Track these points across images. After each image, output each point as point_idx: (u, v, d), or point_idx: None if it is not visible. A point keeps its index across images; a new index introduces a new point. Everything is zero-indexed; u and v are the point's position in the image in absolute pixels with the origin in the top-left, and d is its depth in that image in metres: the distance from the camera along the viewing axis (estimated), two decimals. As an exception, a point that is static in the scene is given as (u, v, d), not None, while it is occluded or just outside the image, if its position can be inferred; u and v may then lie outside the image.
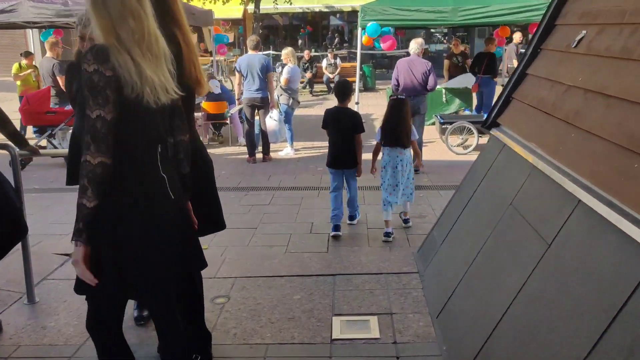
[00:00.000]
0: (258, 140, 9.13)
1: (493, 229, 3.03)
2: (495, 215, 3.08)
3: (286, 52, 9.14)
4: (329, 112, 5.42)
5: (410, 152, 5.21)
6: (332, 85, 18.14)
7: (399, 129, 5.03)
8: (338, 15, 29.26)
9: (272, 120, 8.59)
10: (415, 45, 7.84)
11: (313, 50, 23.59)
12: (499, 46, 13.19)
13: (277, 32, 32.34)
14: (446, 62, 12.71)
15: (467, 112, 12.04)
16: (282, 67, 9.68)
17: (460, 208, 3.70)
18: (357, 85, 10.18)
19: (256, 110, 8.76)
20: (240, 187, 7.25)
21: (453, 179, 7.31)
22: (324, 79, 18.00)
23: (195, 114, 11.14)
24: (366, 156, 5.58)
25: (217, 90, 10.26)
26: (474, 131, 8.97)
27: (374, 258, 4.59)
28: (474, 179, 3.85)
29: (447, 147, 9.13)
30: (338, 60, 18.28)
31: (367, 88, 18.86)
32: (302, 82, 19.06)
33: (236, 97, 8.99)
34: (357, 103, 10.15)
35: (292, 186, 7.26)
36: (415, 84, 7.56)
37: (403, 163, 5.13)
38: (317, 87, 18.46)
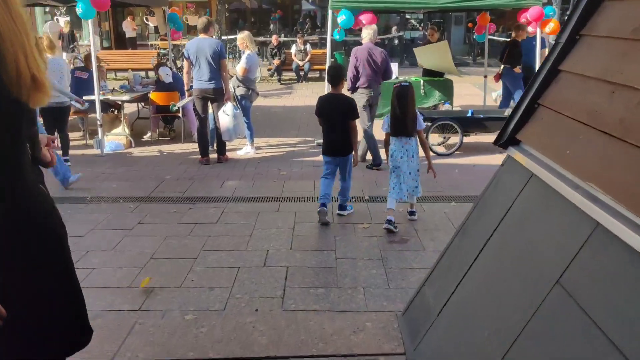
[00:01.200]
0: (213, 138, 7.95)
1: (530, 317, 1.93)
2: (532, 294, 1.99)
3: (242, 36, 7.94)
4: (322, 99, 5.33)
5: (416, 141, 5.09)
6: (301, 73, 16.93)
7: (405, 117, 4.95)
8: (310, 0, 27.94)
9: (225, 116, 7.40)
10: (371, 31, 7.27)
11: (282, 35, 22.31)
12: (478, 34, 12.14)
13: (245, 16, 30.89)
14: None
15: (447, 106, 11.01)
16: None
17: (466, 263, 2.60)
18: (327, 74, 9.01)
19: (208, 103, 7.56)
20: (184, 198, 6.06)
21: (436, 187, 6.26)
22: (293, 66, 16.79)
23: (143, 106, 10.01)
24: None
25: (168, 79, 9.01)
26: (458, 129, 7.92)
27: (344, 325, 3.44)
28: (485, 220, 2.75)
29: (429, 146, 8.05)
30: (308, 47, 17.07)
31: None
32: (269, 70, 17.83)
33: (185, 88, 7.76)
34: (326, 95, 9.02)
35: (248, 196, 6.11)
36: (377, 73, 7.05)
37: (409, 153, 5.04)
38: (286, 75, 17.24)
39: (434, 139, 8.26)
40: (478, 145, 8.58)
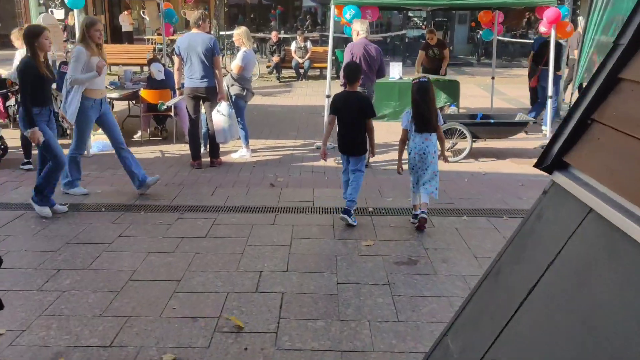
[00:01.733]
0: (206, 140, 7.46)
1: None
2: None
3: (238, 32, 7.44)
4: (338, 97, 5.22)
5: (435, 138, 5.05)
6: (301, 71, 16.42)
7: (431, 112, 4.94)
8: (311, -5, 27.43)
9: (220, 116, 6.91)
10: (364, 26, 6.94)
11: (282, 32, 21.79)
12: (486, 27, 11.58)
13: (245, 11, 30.38)
14: (421, 54, 11.09)
15: (453, 108, 10.55)
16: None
17: (503, 317, 2.11)
18: (328, 73, 8.55)
19: (201, 103, 7.07)
20: (172, 207, 5.57)
21: (445, 198, 5.79)
22: (293, 64, 16.28)
23: (134, 104, 9.50)
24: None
25: (160, 76, 8.51)
26: (467, 134, 7.44)
27: None
28: (526, 263, 2.25)
29: (435, 153, 7.58)
30: (308, 44, 16.56)
31: (339, 75, 17.19)
32: (268, 67, 17.33)
33: (176, 86, 7.26)
34: (327, 96, 8.54)
35: (242, 205, 5.62)
36: (372, 70, 6.81)
37: (429, 149, 4.99)
38: (285, 73, 16.73)
39: (441, 144, 7.77)
40: (486, 150, 8.10)
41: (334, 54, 16.68)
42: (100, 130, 8.17)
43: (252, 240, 4.68)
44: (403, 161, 5.28)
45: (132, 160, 5.88)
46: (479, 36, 22.01)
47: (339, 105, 5.14)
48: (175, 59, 7.00)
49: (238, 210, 5.48)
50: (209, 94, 6.95)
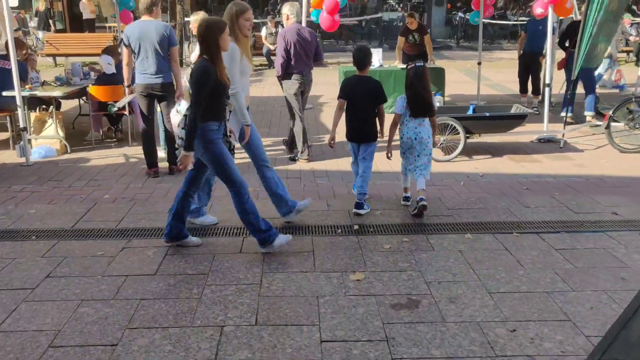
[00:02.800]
0: (164, 144, 6.51)
1: None
2: None
3: (196, 18, 6.45)
4: (348, 82, 5.10)
5: (428, 123, 5.05)
6: (272, 58, 15.39)
7: (428, 97, 4.95)
8: (282, -22, 26.24)
9: (179, 117, 5.94)
10: (294, 9, 6.44)
11: (258, 17, 20.66)
12: (476, 9, 10.69)
13: (213, -5, 29.01)
14: (400, 40, 10.09)
15: (438, 97, 9.67)
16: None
17: None
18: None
19: (156, 102, 6.11)
20: (119, 231, 4.63)
21: (442, 208, 4.97)
22: (264, 50, 15.26)
23: (85, 101, 8.39)
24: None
25: (111, 70, 7.50)
26: (460, 130, 6.61)
27: None
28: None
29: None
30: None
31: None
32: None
33: (125, 83, 6.26)
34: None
35: (203, 226, 4.71)
36: (306, 57, 6.41)
37: (422, 134, 4.98)
38: (256, 60, 15.67)
39: (430, 140, 6.92)
40: (479, 146, 7.29)
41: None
42: (44, 133, 7.20)
43: (213, 278, 3.78)
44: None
45: (277, 181, 4.76)
46: (457, 18, 21.22)
47: (350, 90, 5.01)
48: (124, 50, 6.00)
49: (197, 233, 4.57)
50: (166, 92, 5.99)
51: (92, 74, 8.22)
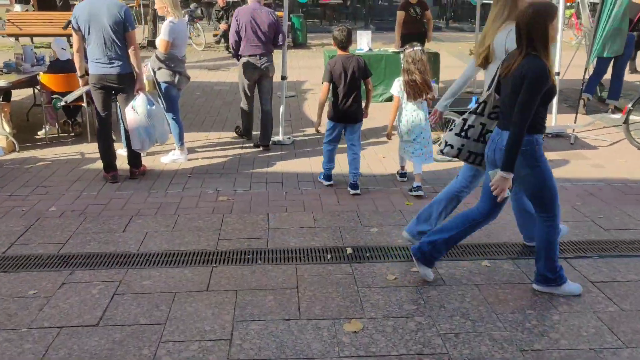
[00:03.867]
0: (126, 142, 5.65)
1: None
2: None
3: (161, -3, 5.57)
4: (334, 63, 4.97)
5: (425, 105, 5.06)
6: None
7: (426, 80, 4.92)
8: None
9: (135, 115, 5.09)
10: None
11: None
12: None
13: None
14: (400, 14, 9.07)
15: (434, 85, 8.85)
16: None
17: None
18: (284, 45, 6.75)
19: (112, 95, 5.24)
20: (61, 258, 3.79)
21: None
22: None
23: (39, 91, 7.28)
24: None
25: (65, 56, 6.57)
26: (463, 126, 5.82)
27: None
28: None
29: (422, 150, 5.97)
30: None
31: (296, 44, 15.33)
32: (215, 35, 15.30)
33: (78, 73, 5.35)
34: (283, 77, 6.76)
35: (163, 251, 3.90)
36: (262, 38, 6.09)
37: (421, 116, 4.98)
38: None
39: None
40: (484, 143, 6.53)
41: (289, 19, 14.81)
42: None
43: (170, 330, 2.98)
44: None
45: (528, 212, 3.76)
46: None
47: (337, 72, 4.91)
48: (74, 35, 5.09)
49: (157, 261, 3.75)
50: (123, 83, 5.13)
51: (47, 59, 7.27)
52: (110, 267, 3.66)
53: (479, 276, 3.55)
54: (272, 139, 6.56)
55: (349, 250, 3.89)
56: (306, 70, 11.64)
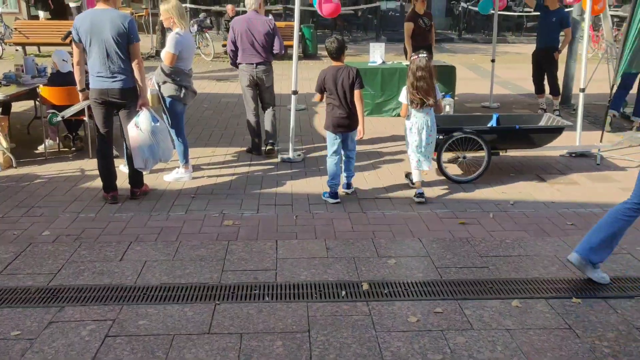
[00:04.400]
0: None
1: None
2: None
3: (166, 7, 5.27)
4: (328, 74, 4.98)
5: (432, 111, 5.07)
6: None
7: (432, 88, 4.94)
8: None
9: (139, 132, 4.80)
10: None
11: (242, 4, 19.39)
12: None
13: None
14: (409, 26, 8.65)
15: (448, 99, 8.53)
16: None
17: None
18: (294, 54, 6.46)
19: (114, 112, 4.94)
20: (50, 292, 3.47)
21: (473, 255, 3.87)
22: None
23: (35, 102, 5.80)
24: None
25: (67, 68, 6.30)
26: (484, 147, 5.49)
27: None
28: None
29: (440, 170, 5.64)
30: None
31: (307, 55, 15.05)
32: (224, 45, 15.02)
33: (78, 87, 5.06)
34: (294, 92, 6.44)
35: (162, 285, 3.58)
36: (258, 48, 6.08)
37: (429, 123, 5.03)
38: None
39: (446, 155, 5.79)
40: (501, 161, 6.19)
41: (300, 30, 14.53)
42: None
43: (166, 383, 2.65)
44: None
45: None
46: (459, 8, 20.04)
47: (330, 82, 4.94)
48: (74, 47, 4.81)
49: (155, 296, 3.43)
50: (126, 99, 4.84)
51: (49, 70, 7.02)
52: (104, 302, 3.34)
53: (510, 319, 3.20)
54: (282, 156, 6.26)
55: (365, 286, 3.56)
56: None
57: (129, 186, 5.12)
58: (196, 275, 3.68)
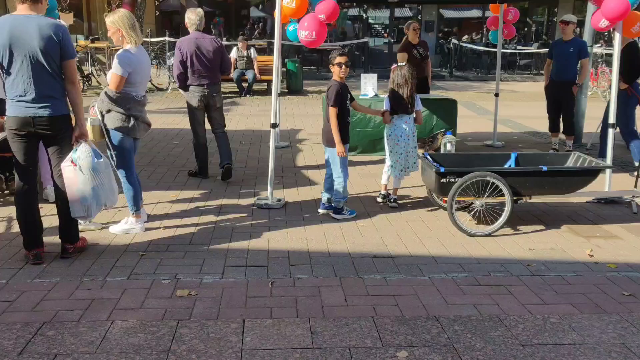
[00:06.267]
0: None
1: None
2: None
3: (113, 19, 4.23)
4: (341, 87, 4.86)
5: (412, 119, 5.24)
6: (244, 85, 13.24)
7: (411, 96, 5.13)
8: (260, 6, 24.26)
9: (76, 171, 3.72)
10: (196, 17, 5.90)
11: (225, 39, 18.58)
12: (492, 29, 8.77)
13: (181, 18, 27.01)
14: (402, 56, 7.81)
15: (449, 136, 7.56)
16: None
17: None
18: (274, 89, 5.44)
19: (39, 146, 3.86)
20: None
21: (511, 347, 2.78)
22: (234, 75, 13.05)
23: None
24: None
25: (2, 95, 5.21)
26: (505, 191, 4.47)
27: None
28: None
29: (452, 220, 4.58)
30: (252, 52, 13.38)
31: (291, 90, 14.13)
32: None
33: (-7, 115, 4.03)
34: (273, 125, 5.41)
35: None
36: (209, 68, 5.88)
37: (408, 131, 5.20)
38: (225, 87, 13.51)
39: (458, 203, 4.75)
40: (520, 208, 5.16)
41: (284, 64, 13.66)
42: None
43: None
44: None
45: None
46: (449, 46, 19.46)
47: (344, 95, 4.89)
48: (-9, 65, 3.76)
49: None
50: (56, 129, 3.78)
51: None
52: None
53: None
54: (258, 202, 5.20)
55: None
56: (302, 118, 10.37)
57: (58, 241, 4.00)
58: None
